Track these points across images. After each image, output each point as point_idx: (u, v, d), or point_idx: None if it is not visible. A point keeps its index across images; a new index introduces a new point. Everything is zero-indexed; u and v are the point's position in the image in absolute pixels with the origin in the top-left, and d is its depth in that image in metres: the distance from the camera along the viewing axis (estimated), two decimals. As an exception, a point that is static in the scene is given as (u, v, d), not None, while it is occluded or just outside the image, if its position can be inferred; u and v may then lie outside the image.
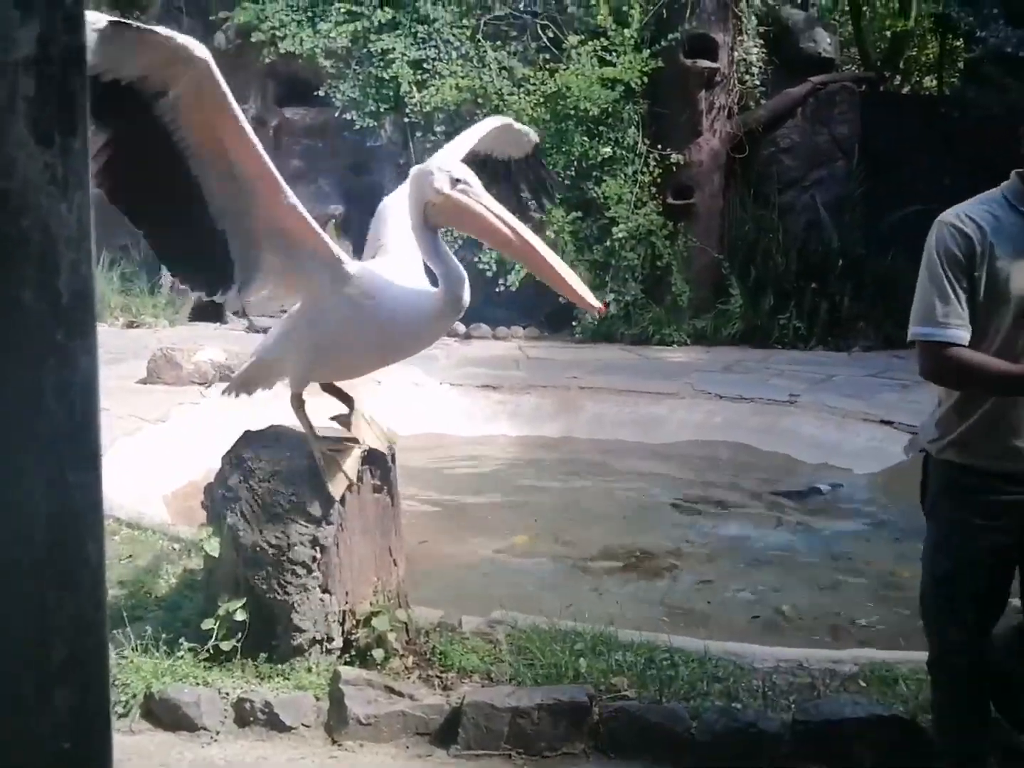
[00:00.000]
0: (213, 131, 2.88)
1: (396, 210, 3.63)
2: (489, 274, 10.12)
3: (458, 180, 3.18)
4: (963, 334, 2.69)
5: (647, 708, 3.27)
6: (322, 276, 3.26)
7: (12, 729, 0.71)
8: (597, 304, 3.19)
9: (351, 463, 3.49)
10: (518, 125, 4.44)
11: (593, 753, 3.23)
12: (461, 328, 10.40)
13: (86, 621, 0.72)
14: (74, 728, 0.72)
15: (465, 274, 3.25)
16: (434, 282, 3.29)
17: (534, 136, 4.56)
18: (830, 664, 3.62)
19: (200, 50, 2.73)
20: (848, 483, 6.87)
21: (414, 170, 3.30)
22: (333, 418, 3.67)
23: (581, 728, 3.25)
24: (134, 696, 3.31)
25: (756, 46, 10.84)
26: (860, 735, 3.15)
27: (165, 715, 3.30)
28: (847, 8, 13.30)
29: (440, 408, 7.89)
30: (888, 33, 13.87)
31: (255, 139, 2.93)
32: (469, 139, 3.93)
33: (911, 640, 4.24)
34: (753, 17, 10.88)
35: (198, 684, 3.35)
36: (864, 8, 13.73)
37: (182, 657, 3.46)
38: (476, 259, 9.88)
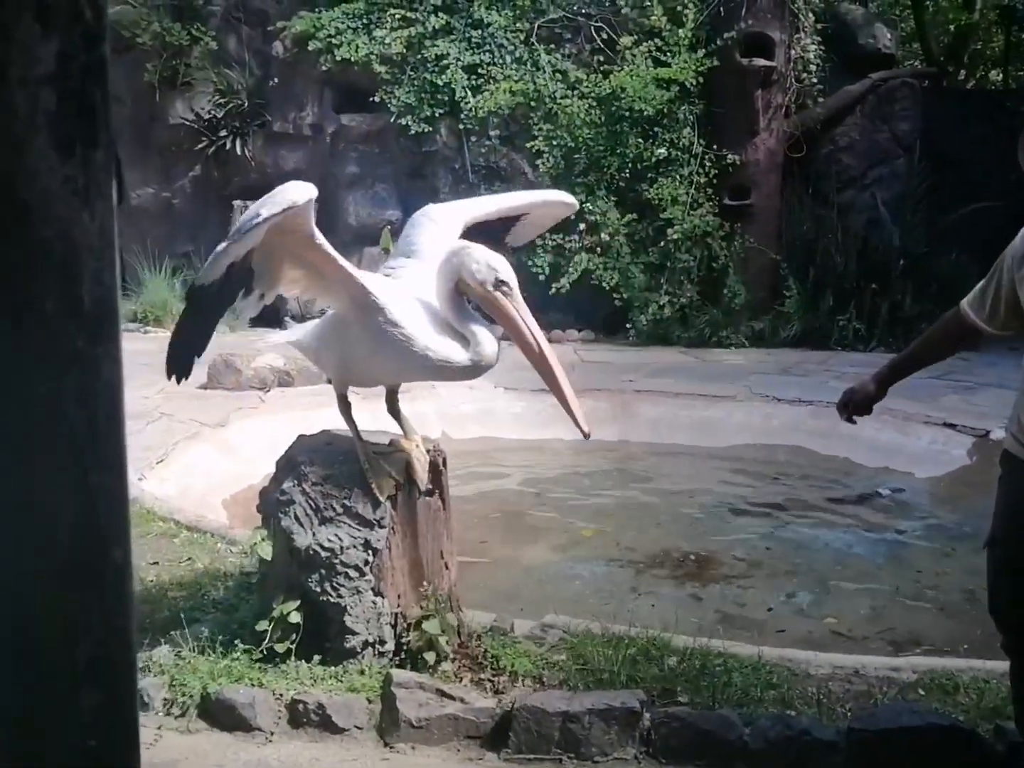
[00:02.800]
0: (297, 243, 3.20)
1: (432, 219, 3.66)
2: (542, 277, 10.14)
3: (502, 282, 3.25)
4: (967, 308, 2.90)
5: (700, 714, 3.23)
6: (350, 300, 3.31)
7: (40, 727, 0.72)
8: (586, 428, 3.23)
9: (397, 468, 3.52)
10: (569, 201, 4.04)
11: (645, 759, 3.20)
12: (516, 332, 10.39)
13: (112, 622, 0.74)
14: (100, 726, 0.73)
15: (493, 337, 3.29)
16: None
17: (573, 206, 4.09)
18: (888, 672, 3.55)
19: (302, 195, 3.04)
20: (910, 487, 6.73)
21: (456, 246, 3.33)
22: (390, 443, 3.69)
23: (633, 733, 3.22)
24: (191, 696, 3.37)
25: (814, 43, 10.70)
26: (918, 745, 3.07)
27: (221, 715, 3.34)
28: (908, 2, 13.07)
29: (495, 412, 7.90)
30: (951, 27, 13.61)
31: (327, 245, 3.21)
32: (520, 200, 3.94)
33: (974, 649, 4.15)
34: (810, 14, 10.75)
35: (253, 685, 3.39)
36: (926, 2, 13.49)
37: (238, 658, 3.50)
38: (529, 262, 9.90)
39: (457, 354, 3.28)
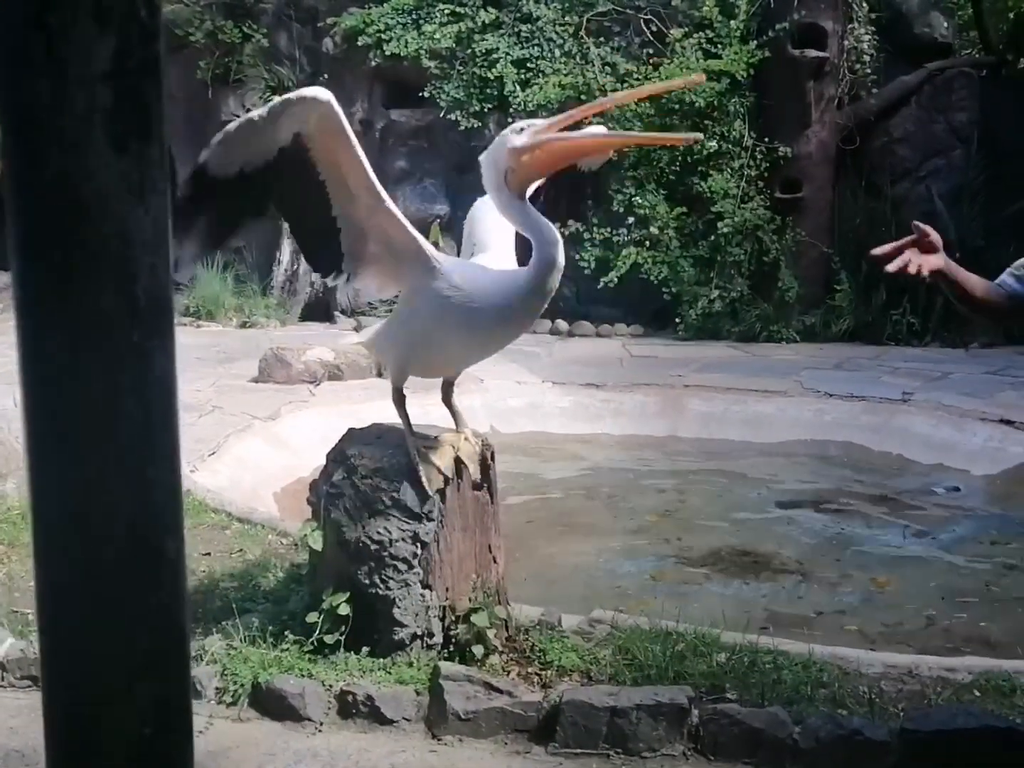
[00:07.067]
0: (334, 153, 3.21)
1: (488, 209, 3.67)
2: (589, 271, 10.10)
3: (522, 129, 3.29)
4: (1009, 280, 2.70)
5: (749, 712, 3.20)
6: (414, 269, 3.36)
7: (98, 716, 0.74)
8: (689, 136, 3.19)
9: (445, 461, 3.53)
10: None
11: (693, 755, 3.19)
12: (564, 326, 10.39)
13: (167, 615, 0.75)
14: (156, 716, 0.75)
15: (559, 237, 3.26)
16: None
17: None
18: (943, 672, 3.49)
19: (324, 94, 3.09)
20: (965, 485, 6.61)
21: (491, 147, 3.39)
22: (437, 437, 3.70)
23: (681, 730, 3.21)
24: (242, 685, 3.41)
25: (868, 33, 10.53)
26: (973, 747, 3.02)
27: (271, 705, 3.38)
28: (966, -10, 12.79)
29: (543, 406, 7.90)
30: (1011, 15, 13.28)
31: (363, 157, 3.24)
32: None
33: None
34: (864, 3, 10.58)
35: (303, 675, 3.43)
36: (985, -11, 13.18)
37: (288, 649, 3.54)
38: (577, 256, 9.87)
39: (518, 284, 3.27)
